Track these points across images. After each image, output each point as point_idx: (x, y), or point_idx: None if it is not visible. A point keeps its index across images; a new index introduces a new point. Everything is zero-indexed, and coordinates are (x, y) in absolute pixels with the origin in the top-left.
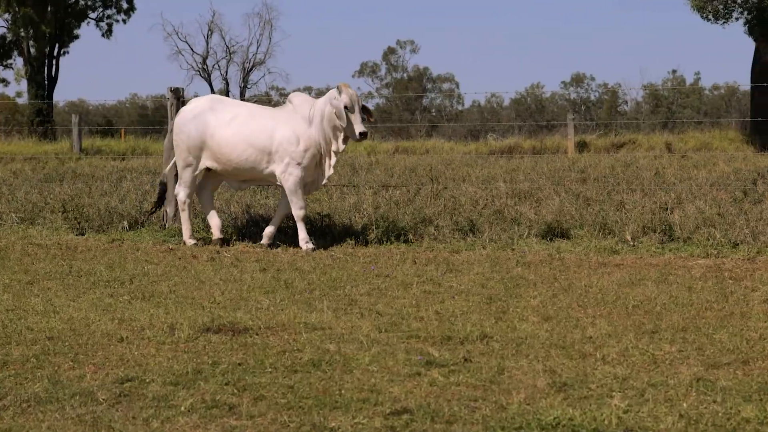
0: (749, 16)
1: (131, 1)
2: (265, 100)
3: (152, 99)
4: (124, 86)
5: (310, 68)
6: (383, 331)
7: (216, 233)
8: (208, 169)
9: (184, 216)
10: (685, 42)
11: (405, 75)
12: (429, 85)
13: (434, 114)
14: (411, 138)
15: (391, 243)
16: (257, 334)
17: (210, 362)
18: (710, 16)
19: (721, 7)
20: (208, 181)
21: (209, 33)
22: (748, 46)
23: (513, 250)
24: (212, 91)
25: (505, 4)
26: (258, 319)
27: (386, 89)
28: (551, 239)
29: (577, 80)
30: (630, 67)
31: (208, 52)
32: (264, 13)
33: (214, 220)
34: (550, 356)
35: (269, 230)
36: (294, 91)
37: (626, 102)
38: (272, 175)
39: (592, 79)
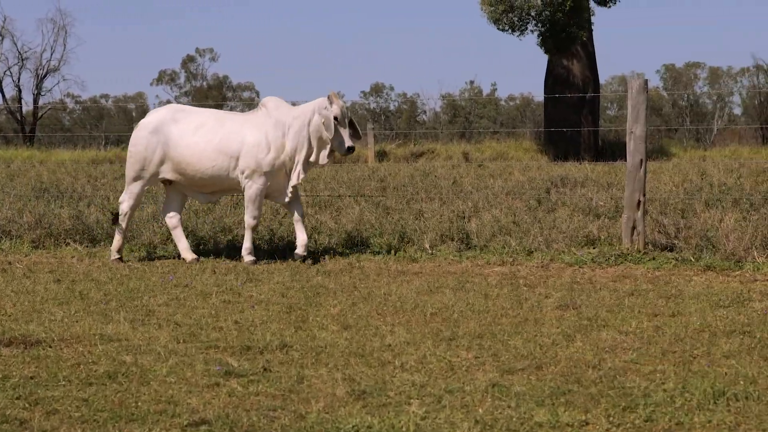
0: (543, 29)
1: None
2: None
3: None
4: None
5: (107, 76)
6: (181, 341)
7: (187, 256)
8: (169, 182)
9: (119, 233)
10: (482, 53)
11: (205, 83)
12: (229, 94)
13: None
14: None
15: None
16: (50, 347)
17: (0, 376)
18: (506, 28)
19: (516, 19)
20: (172, 200)
21: (0, 39)
22: (543, 58)
23: (313, 259)
24: (3, 99)
25: (304, 14)
26: (51, 332)
27: (186, 97)
28: (351, 248)
29: (377, 90)
30: (428, 78)
31: None
32: (58, 18)
33: (182, 243)
34: (350, 364)
35: (303, 239)
36: (267, 95)
37: (425, 112)
38: (239, 183)
39: (392, 89)
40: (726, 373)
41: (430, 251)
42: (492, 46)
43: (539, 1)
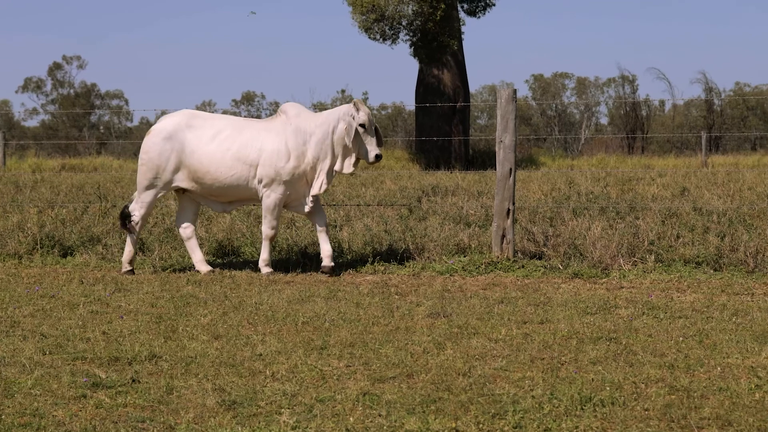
0: (414, 38)
1: None
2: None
3: None
4: None
5: None
6: (47, 353)
7: (202, 268)
8: (183, 191)
9: (131, 237)
10: (354, 62)
11: (72, 91)
12: (97, 102)
13: (103, 131)
14: (79, 155)
15: (57, 263)
16: None
17: None
18: (377, 37)
19: (388, 28)
20: (186, 210)
21: None
22: (414, 67)
23: (183, 269)
24: None
25: (175, 22)
26: None
27: (52, 105)
28: (222, 257)
29: (248, 98)
30: (300, 86)
31: None
32: None
33: (196, 254)
34: (220, 374)
35: (327, 250)
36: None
37: None
38: (257, 192)
39: (263, 97)
40: (593, 380)
41: (301, 260)
42: (364, 54)
43: (410, 11)
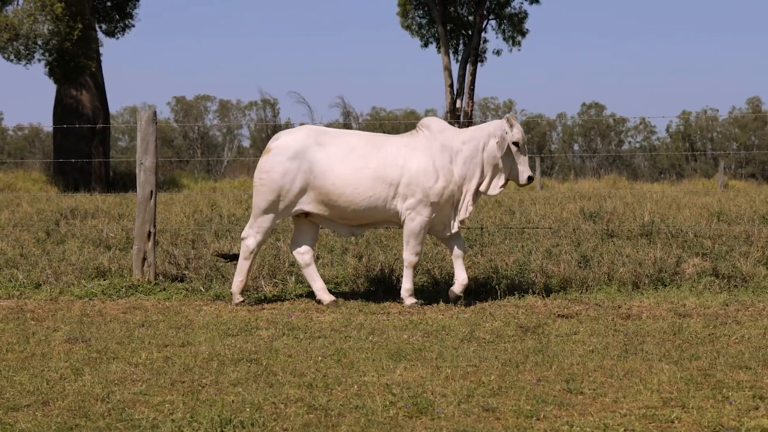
0: (50, 58)
1: None
2: None
3: None
4: None
5: None
6: None
7: (325, 297)
8: (306, 214)
9: (244, 265)
10: None
11: None
12: None
13: None
14: None
15: None
16: None
17: None
18: (11, 57)
19: (23, 48)
20: (304, 233)
21: None
22: (52, 87)
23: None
24: None
25: None
26: None
27: None
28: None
29: None
30: None
31: None
32: None
33: (317, 282)
34: None
35: (462, 278)
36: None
37: None
38: (397, 214)
39: None
40: (233, 401)
41: None
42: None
43: (46, 30)
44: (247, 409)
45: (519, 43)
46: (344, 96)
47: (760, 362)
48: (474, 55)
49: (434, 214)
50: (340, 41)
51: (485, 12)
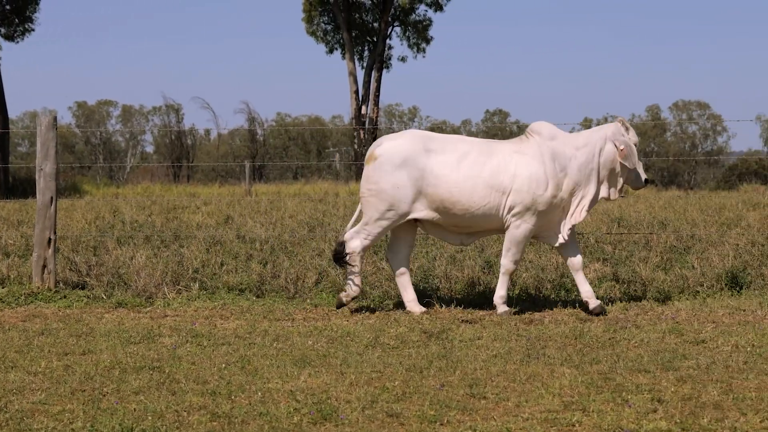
0: None
1: None
2: None
3: None
4: None
5: None
6: None
7: (415, 309)
8: (416, 220)
9: (356, 263)
10: None
11: None
12: None
13: None
14: None
15: None
16: None
17: None
18: None
19: None
20: (401, 240)
21: None
22: None
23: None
24: None
25: None
26: None
27: None
28: None
29: None
30: None
31: None
32: None
33: (408, 293)
34: None
35: (587, 291)
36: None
37: None
38: (505, 221)
39: None
40: (135, 409)
41: None
42: None
43: None
44: (149, 418)
45: (424, 50)
46: (249, 102)
47: (659, 366)
48: (379, 62)
49: (540, 223)
50: (245, 46)
51: (390, 19)
